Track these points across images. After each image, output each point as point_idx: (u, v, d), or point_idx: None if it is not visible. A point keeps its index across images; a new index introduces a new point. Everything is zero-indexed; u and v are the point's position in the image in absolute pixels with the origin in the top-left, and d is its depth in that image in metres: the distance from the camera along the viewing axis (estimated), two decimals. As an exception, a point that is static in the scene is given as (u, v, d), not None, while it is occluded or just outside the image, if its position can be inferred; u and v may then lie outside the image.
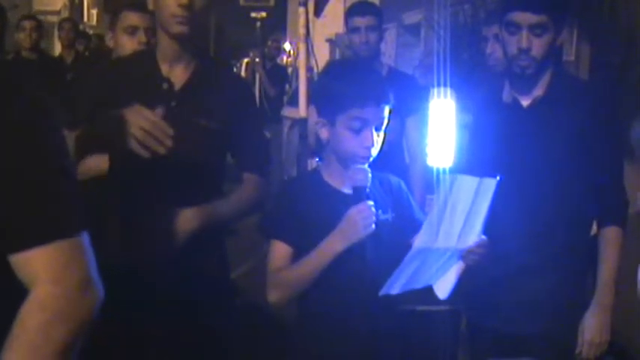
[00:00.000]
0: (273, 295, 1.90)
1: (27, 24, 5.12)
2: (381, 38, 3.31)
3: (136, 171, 2.03)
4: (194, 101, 2.08)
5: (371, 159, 1.86)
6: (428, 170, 3.02)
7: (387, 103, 1.86)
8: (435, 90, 2.31)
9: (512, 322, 2.23)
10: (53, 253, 1.13)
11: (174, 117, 2.04)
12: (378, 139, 1.85)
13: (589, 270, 2.24)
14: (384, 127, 1.87)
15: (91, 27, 14.92)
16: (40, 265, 1.13)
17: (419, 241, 1.77)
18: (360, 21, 3.23)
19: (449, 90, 2.28)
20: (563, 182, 2.20)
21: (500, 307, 2.25)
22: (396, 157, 3.16)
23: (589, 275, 2.24)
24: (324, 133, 1.90)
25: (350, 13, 3.32)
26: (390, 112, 1.87)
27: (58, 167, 1.20)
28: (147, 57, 2.15)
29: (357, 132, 1.83)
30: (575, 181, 2.20)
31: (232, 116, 2.11)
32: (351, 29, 3.27)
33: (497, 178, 1.82)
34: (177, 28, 2.01)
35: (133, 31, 2.66)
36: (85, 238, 1.18)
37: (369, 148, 1.83)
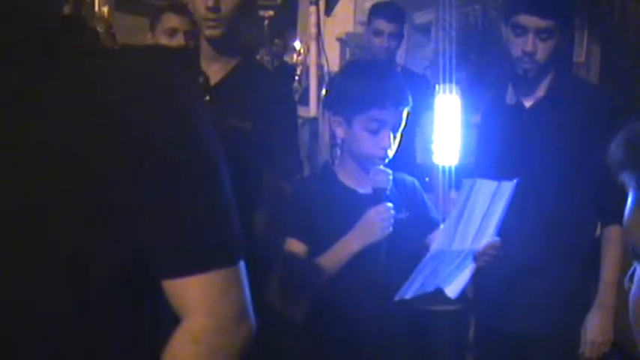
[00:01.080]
0: None
1: None
2: (399, 44, 3.32)
3: None
4: (228, 99, 2.08)
5: (386, 160, 1.87)
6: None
7: (406, 105, 1.87)
8: (441, 87, 2.31)
9: (517, 322, 2.24)
10: (211, 282, 1.03)
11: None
12: (394, 140, 1.86)
13: (592, 270, 2.25)
14: (401, 129, 1.88)
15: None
16: (195, 295, 1.02)
17: (436, 244, 1.79)
18: (385, 26, 3.22)
19: (454, 87, 2.28)
20: (566, 182, 2.21)
21: (504, 308, 2.26)
22: (408, 156, 3.17)
23: (592, 275, 2.25)
24: (340, 132, 1.91)
25: (375, 14, 3.30)
26: (408, 115, 1.88)
27: (221, 182, 1.06)
28: (190, 53, 2.17)
29: (375, 133, 1.84)
30: (577, 181, 2.21)
31: (266, 119, 2.07)
32: (373, 31, 3.25)
33: (515, 181, 1.84)
34: (208, 32, 2.04)
35: (172, 33, 2.70)
36: (242, 266, 1.07)
37: (385, 150, 1.84)
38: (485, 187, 1.84)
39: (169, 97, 1.01)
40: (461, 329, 2.77)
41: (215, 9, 2.00)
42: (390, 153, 1.87)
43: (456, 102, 2.28)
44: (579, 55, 4.71)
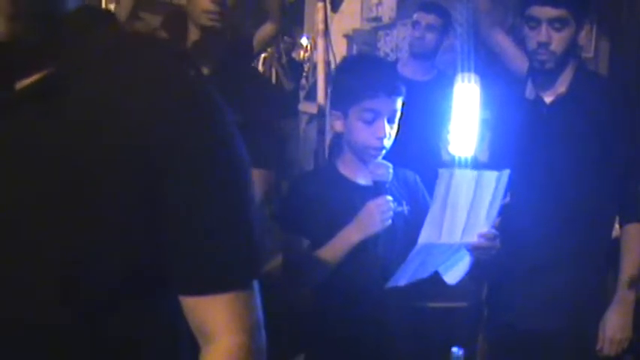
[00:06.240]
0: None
1: None
2: (440, 41, 3.34)
3: None
4: (222, 91, 2.10)
5: (384, 151, 1.87)
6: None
7: (398, 94, 1.88)
8: (459, 76, 2.28)
9: (532, 318, 2.23)
10: (239, 299, 0.95)
11: None
12: (390, 130, 1.87)
13: (610, 266, 2.24)
14: (397, 119, 1.89)
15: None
16: (222, 313, 0.94)
17: (423, 237, 1.75)
18: (423, 17, 3.26)
19: (473, 76, 2.26)
20: (584, 179, 2.19)
21: (519, 304, 2.25)
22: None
23: (610, 271, 2.24)
24: (338, 126, 1.93)
25: (418, 8, 3.39)
26: (403, 105, 1.89)
27: (248, 191, 0.97)
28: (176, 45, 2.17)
29: (370, 123, 1.86)
30: (595, 178, 2.19)
31: (254, 109, 2.12)
32: (412, 24, 3.32)
33: (506, 171, 1.79)
34: (209, 23, 2.06)
35: None
36: None
37: (381, 139, 1.86)
38: (465, 177, 1.78)
39: (190, 100, 0.95)
40: (473, 325, 2.75)
41: (221, 2, 2.05)
42: (387, 142, 1.88)
43: (476, 91, 2.25)
44: (588, 50, 4.68)
